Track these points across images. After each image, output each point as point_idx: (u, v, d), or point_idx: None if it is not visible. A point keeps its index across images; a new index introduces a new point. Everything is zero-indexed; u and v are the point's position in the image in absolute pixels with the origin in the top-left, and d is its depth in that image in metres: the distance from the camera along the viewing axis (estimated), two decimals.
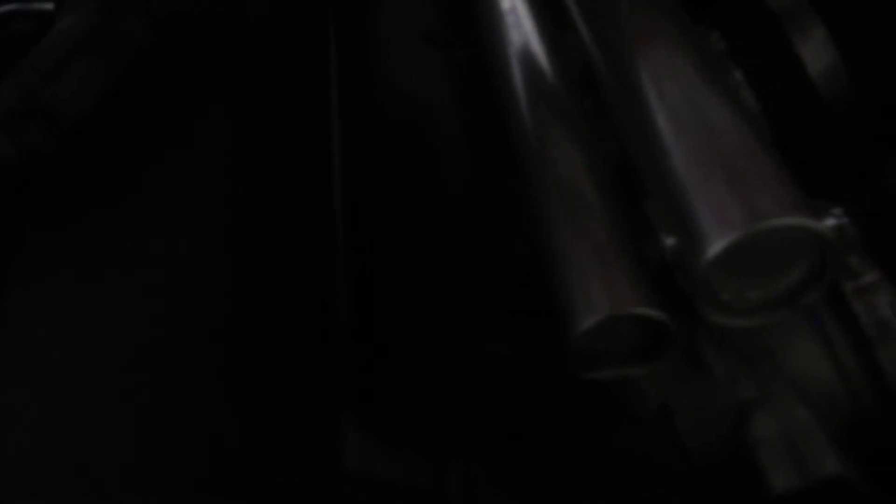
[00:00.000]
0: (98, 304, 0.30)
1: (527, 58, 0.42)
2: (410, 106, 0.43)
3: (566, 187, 0.36)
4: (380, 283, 0.35)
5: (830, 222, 0.33)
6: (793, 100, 0.50)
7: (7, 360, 0.30)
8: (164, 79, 0.36)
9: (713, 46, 0.53)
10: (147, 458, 0.27)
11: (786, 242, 0.30)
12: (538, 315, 0.32)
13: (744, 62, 0.51)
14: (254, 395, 0.28)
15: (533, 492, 0.37)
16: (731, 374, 0.37)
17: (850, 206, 0.41)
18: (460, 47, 0.45)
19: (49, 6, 0.37)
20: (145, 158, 0.33)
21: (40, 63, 0.32)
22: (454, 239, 0.36)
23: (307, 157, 0.40)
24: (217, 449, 0.27)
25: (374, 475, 0.30)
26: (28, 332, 0.30)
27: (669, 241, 0.32)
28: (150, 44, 0.36)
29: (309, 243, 0.36)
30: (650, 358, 0.33)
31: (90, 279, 0.30)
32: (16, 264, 0.30)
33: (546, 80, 0.40)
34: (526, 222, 0.35)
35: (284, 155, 0.38)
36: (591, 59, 0.39)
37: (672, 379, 0.36)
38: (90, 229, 0.31)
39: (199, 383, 0.27)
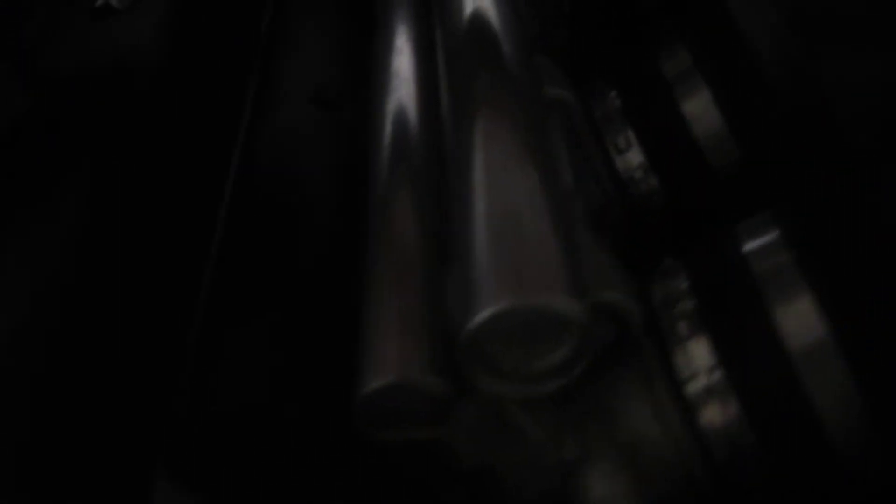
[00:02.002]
0: None
1: (398, 120, 0.44)
2: (283, 164, 0.45)
3: (394, 249, 0.37)
4: (199, 335, 0.37)
5: (617, 296, 0.35)
6: (677, 159, 0.51)
7: None
8: (44, 135, 0.39)
9: (609, 104, 0.55)
10: None
11: (549, 320, 0.31)
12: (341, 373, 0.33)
13: (635, 121, 0.53)
14: (60, 440, 0.30)
15: None
16: (550, 435, 0.38)
17: (692, 268, 0.42)
18: (348, 108, 0.48)
19: None
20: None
21: None
22: (267, 295, 0.38)
23: (191, 214, 0.43)
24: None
25: None
26: None
27: (451, 309, 0.33)
28: (27, 105, 0.39)
29: (168, 291, 0.38)
30: (436, 423, 0.34)
31: None
32: None
33: (410, 144, 0.42)
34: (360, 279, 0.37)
35: (162, 213, 0.41)
36: (443, 125, 0.41)
37: (488, 438, 0.37)
38: None
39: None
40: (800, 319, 0.36)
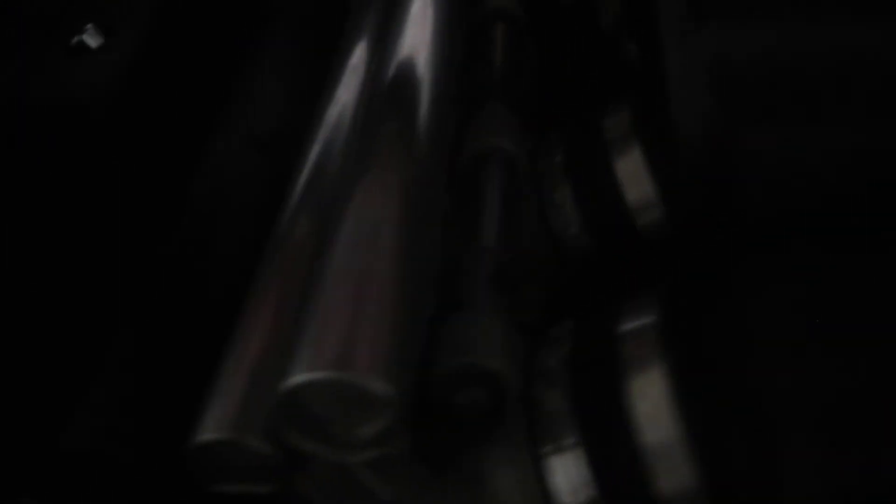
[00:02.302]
0: None
1: (311, 176, 0.46)
2: (215, 204, 0.48)
3: (263, 304, 0.39)
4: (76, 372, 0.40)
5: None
6: (608, 220, 0.52)
7: None
8: None
9: (553, 159, 0.55)
10: None
11: (360, 397, 0.33)
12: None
13: (573, 179, 0.54)
14: None
15: None
16: (403, 496, 0.39)
17: (574, 339, 0.43)
18: (283, 148, 0.50)
19: None
20: None
21: None
22: (146, 349, 0.40)
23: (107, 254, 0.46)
24: None
25: None
26: None
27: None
28: None
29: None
30: (273, 480, 0.37)
31: None
32: None
33: (311, 203, 0.44)
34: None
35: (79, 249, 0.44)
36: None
37: (343, 494, 0.39)
38: None
39: None
40: (654, 411, 0.37)
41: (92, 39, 0.55)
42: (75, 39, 0.55)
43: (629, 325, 0.40)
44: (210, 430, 0.35)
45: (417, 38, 0.52)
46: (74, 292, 0.40)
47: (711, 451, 0.36)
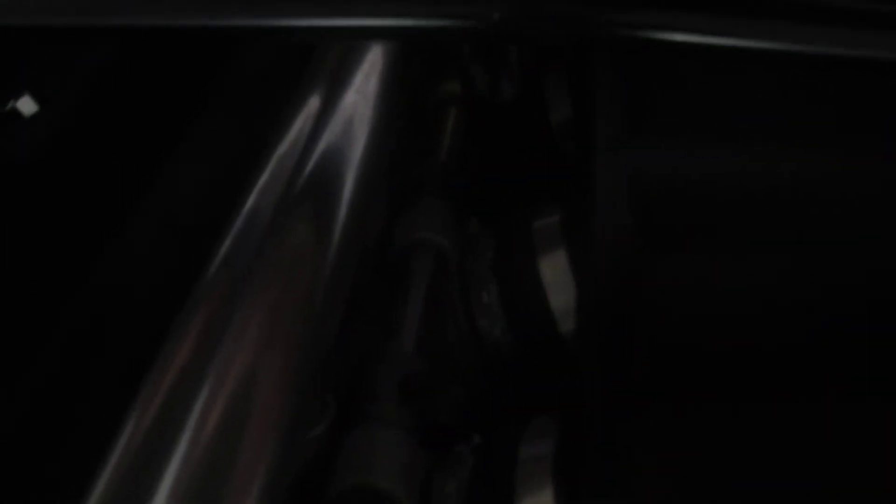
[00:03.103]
0: None
1: (231, 255, 0.46)
2: (123, 280, 0.48)
3: (149, 411, 0.39)
4: None
5: None
6: (531, 325, 0.52)
7: None
8: None
9: (482, 255, 0.55)
10: None
11: None
12: None
13: (500, 279, 0.54)
14: None
15: None
16: None
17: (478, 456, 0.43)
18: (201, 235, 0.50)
19: None
20: None
21: None
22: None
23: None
24: None
25: None
26: None
27: None
28: None
29: None
30: None
31: None
32: None
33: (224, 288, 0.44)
34: None
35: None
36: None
37: None
38: None
39: None
40: None
41: (25, 107, 0.56)
42: (9, 106, 0.55)
43: (527, 454, 0.40)
44: None
45: (347, 128, 0.52)
46: None
47: None
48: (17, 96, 0.55)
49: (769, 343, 0.40)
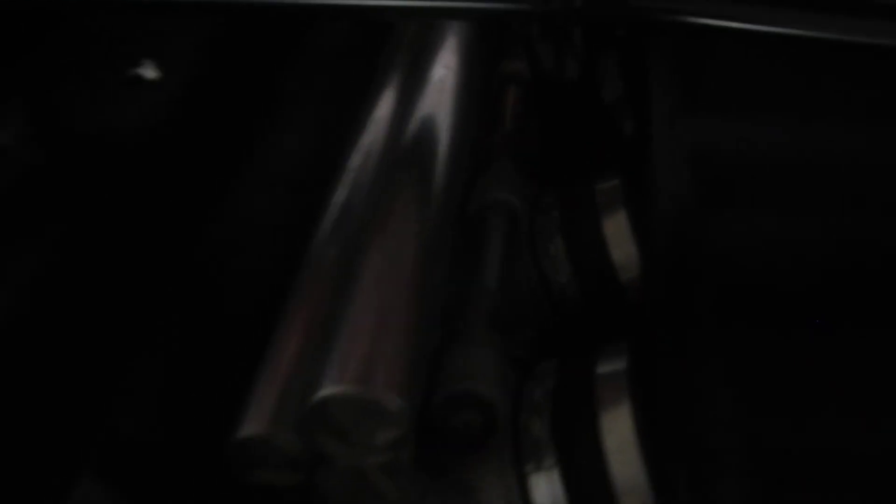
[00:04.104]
0: None
1: (339, 211, 0.53)
2: (243, 234, 0.55)
3: (296, 321, 0.45)
4: (141, 372, 0.46)
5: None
6: (595, 274, 0.59)
7: None
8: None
9: (550, 215, 0.62)
10: None
11: (375, 409, 0.39)
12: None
13: (566, 234, 0.61)
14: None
15: None
16: (410, 499, 0.46)
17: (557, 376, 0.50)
18: (311, 188, 0.57)
19: None
20: None
21: None
22: (193, 348, 0.47)
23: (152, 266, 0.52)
24: None
25: None
26: None
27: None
28: (39, 166, 0.50)
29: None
30: (301, 473, 0.43)
31: None
32: None
33: (339, 234, 0.51)
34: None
35: (123, 262, 0.50)
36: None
37: (355, 493, 0.45)
38: None
39: None
40: (620, 444, 0.44)
41: (148, 73, 0.62)
42: (132, 72, 0.62)
43: (604, 370, 0.47)
44: (250, 427, 0.41)
45: (437, 97, 0.59)
46: (121, 293, 0.47)
47: (664, 478, 0.43)
48: (140, 63, 0.62)
49: (803, 282, 0.47)
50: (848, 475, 0.38)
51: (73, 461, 0.42)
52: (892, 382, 0.41)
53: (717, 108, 0.58)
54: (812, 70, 0.54)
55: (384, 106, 0.60)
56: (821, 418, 0.41)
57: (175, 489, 0.43)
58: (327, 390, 0.38)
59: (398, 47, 0.65)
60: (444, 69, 0.60)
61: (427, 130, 0.55)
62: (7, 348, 0.41)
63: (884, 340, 0.43)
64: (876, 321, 0.45)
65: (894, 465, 0.38)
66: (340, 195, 0.54)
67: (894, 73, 0.55)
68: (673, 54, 0.62)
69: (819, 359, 0.42)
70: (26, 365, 0.41)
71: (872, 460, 0.38)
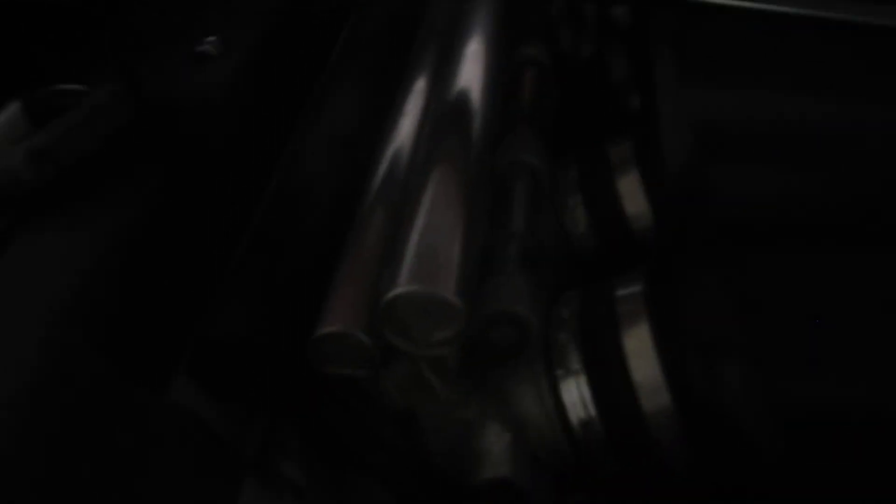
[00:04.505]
0: None
1: (391, 162, 0.61)
2: (306, 180, 0.62)
3: (363, 243, 0.52)
4: (226, 286, 0.53)
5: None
6: (610, 223, 0.67)
7: None
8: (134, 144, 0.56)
9: (568, 174, 0.70)
10: None
11: (439, 305, 0.46)
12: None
13: (584, 190, 0.68)
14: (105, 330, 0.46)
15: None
16: (456, 397, 0.53)
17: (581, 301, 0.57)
18: (361, 146, 0.64)
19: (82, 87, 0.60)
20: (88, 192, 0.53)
21: (60, 126, 0.53)
22: (277, 267, 0.54)
23: (233, 210, 0.59)
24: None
25: (189, 410, 0.48)
26: None
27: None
28: (131, 122, 0.57)
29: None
30: (370, 367, 0.50)
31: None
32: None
33: (392, 178, 0.58)
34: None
35: (212, 206, 0.57)
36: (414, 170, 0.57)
37: (412, 388, 0.52)
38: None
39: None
40: (638, 349, 0.51)
41: (213, 48, 0.70)
42: (199, 48, 0.69)
43: (622, 291, 0.55)
44: (328, 325, 0.48)
45: (472, 71, 0.67)
46: (210, 222, 0.54)
47: (678, 376, 0.50)
48: (207, 39, 0.69)
49: (792, 217, 0.55)
50: (837, 360, 0.45)
51: (169, 362, 0.48)
52: (877, 290, 0.49)
53: (714, 78, 0.66)
54: (798, 41, 0.62)
55: (424, 76, 0.68)
56: (813, 322, 0.49)
57: (261, 386, 0.50)
58: (399, 289, 0.45)
59: (434, 25, 0.73)
60: (477, 45, 0.68)
61: (464, 98, 0.63)
62: (118, 266, 0.48)
63: (863, 259, 0.50)
64: (853, 246, 0.53)
65: (882, 351, 0.45)
66: (392, 149, 0.62)
67: (878, 47, 0.63)
68: (673, 33, 0.70)
69: (807, 271, 0.49)
70: (135, 279, 0.48)
71: (858, 349, 0.46)
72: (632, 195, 0.67)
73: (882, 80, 0.63)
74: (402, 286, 0.46)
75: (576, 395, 0.53)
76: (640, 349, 0.51)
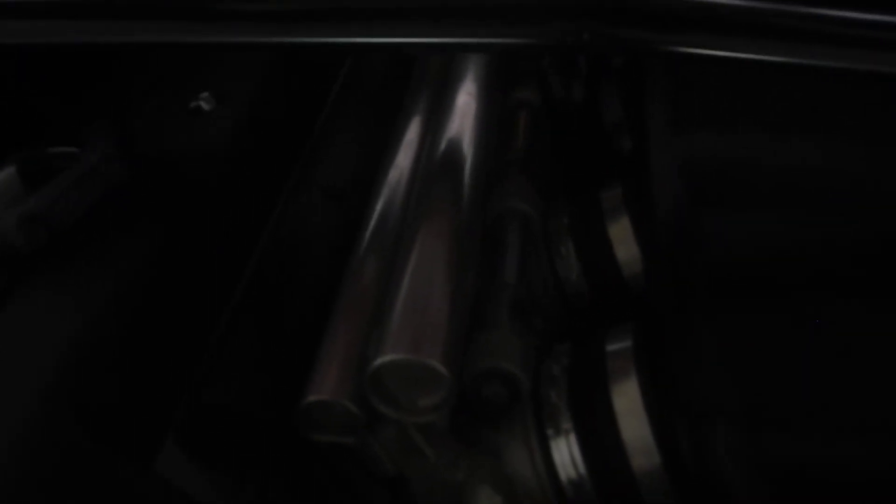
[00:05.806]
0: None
1: (381, 214, 0.61)
2: (296, 237, 0.62)
3: (350, 305, 0.53)
4: (218, 351, 0.54)
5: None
6: (602, 271, 0.67)
7: None
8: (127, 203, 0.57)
9: (560, 220, 0.70)
10: None
11: (425, 373, 0.46)
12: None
13: (575, 237, 0.68)
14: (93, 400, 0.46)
15: None
16: (446, 459, 0.53)
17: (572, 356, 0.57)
18: (353, 199, 0.65)
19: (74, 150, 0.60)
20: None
21: (51, 191, 0.54)
22: (266, 332, 0.54)
23: (226, 266, 0.60)
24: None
25: (176, 484, 0.48)
26: None
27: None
28: (123, 182, 0.57)
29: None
30: (358, 433, 0.50)
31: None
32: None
33: (382, 232, 0.59)
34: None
35: (206, 261, 0.58)
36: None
37: (402, 452, 0.52)
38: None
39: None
40: (629, 409, 0.51)
41: (206, 104, 0.70)
42: (193, 104, 0.70)
43: (612, 347, 0.55)
44: (315, 394, 0.48)
45: (463, 120, 0.67)
46: (200, 285, 0.54)
47: (668, 437, 0.50)
48: (200, 95, 0.70)
49: (783, 267, 0.55)
50: (827, 424, 0.45)
51: (158, 430, 0.49)
52: (865, 345, 0.49)
53: (704, 125, 0.66)
54: (790, 88, 0.62)
55: (415, 128, 0.69)
56: (802, 381, 0.48)
57: (248, 452, 0.50)
58: (386, 357, 0.45)
59: (426, 77, 0.73)
60: (467, 95, 0.68)
61: (455, 149, 0.63)
62: (112, 327, 0.48)
63: (853, 312, 0.50)
64: (845, 297, 0.52)
65: (871, 412, 0.45)
66: (382, 202, 0.62)
67: (861, 89, 0.63)
68: (664, 80, 0.70)
69: (800, 329, 0.49)
70: (125, 345, 0.48)
71: (847, 410, 0.45)
72: (623, 241, 0.67)
73: (874, 125, 0.63)
74: (388, 354, 0.46)
75: (566, 454, 0.53)
76: (629, 408, 0.51)
